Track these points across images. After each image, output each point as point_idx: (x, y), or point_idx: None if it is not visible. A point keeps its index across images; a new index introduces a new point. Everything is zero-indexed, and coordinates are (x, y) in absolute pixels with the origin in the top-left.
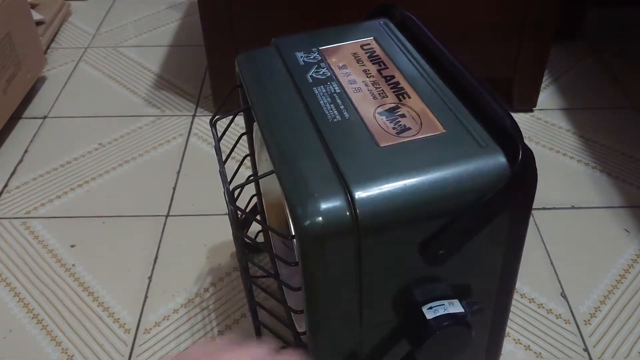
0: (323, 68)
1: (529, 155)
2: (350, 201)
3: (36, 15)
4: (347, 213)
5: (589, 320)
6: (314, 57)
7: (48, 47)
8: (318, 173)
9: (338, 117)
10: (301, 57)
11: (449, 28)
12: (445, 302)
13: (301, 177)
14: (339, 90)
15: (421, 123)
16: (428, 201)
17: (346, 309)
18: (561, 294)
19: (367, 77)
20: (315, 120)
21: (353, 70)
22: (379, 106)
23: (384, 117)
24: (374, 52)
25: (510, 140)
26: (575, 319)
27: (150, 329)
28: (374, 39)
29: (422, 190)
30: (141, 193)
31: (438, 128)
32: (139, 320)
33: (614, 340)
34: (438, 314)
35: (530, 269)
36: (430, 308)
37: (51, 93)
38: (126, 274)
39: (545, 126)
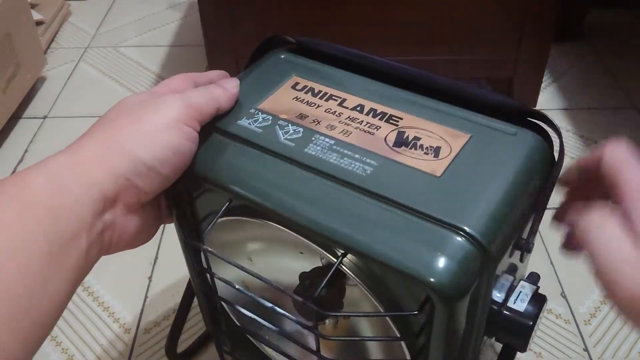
0: (287, 126)
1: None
2: (468, 237)
3: (36, 15)
4: (474, 249)
5: (589, 320)
6: (263, 117)
7: (48, 47)
8: (411, 229)
9: (368, 168)
10: (249, 123)
11: (448, 28)
12: (519, 288)
13: (398, 242)
14: (333, 141)
15: (441, 137)
16: (518, 201)
17: (465, 347)
18: (561, 294)
19: (337, 116)
20: (348, 181)
21: (317, 116)
22: (385, 139)
23: (403, 147)
24: (313, 89)
25: (537, 116)
26: (575, 319)
27: (150, 329)
28: (297, 75)
29: (511, 195)
30: None
31: (461, 135)
32: (139, 320)
33: (614, 340)
34: (526, 302)
35: (530, 268)
36: (515, 301)
37: (51, 93)
38: (126, 274)
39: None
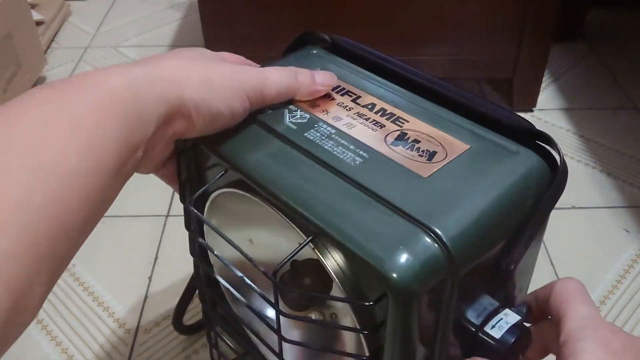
0: (295, 111)
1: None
2: (437, 239)
3: (36, 15)
4: (440, 252)
5: None
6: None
7: (48, 47)
8: (382, 220)
9: (358, 159)
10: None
11: (448, 28)
12: (501, 315)
13: (366, 230)
14: (334, 130)
15: (440, 144)
16: (502, 220)
17: (428, 357)
18: None
19: (347, 110)
20: (336, 168)
21: (328, 107)
22: (385, 137)
23: (400, 147)
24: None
25: (544, 139)
26: None
27: (151, 329)
28: (321, 70)
29: (495, 211)
30: (141, 193)
31: (460, 145)
32: (139, 320)
33: None
34: (504, 330)
35: None
36: (493, 327)
37: None
38: (126, 274)
39: (545, 126)
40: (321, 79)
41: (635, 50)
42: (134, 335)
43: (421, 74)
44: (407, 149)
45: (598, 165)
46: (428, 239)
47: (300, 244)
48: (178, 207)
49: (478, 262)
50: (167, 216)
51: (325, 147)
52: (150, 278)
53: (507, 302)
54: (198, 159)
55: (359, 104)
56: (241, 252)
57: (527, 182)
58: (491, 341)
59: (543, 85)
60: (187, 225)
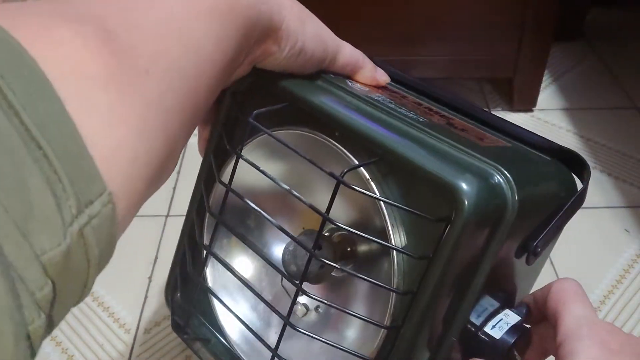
0: (355, 84)
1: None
2: (504, 176)
3: None
4: (508, 189)
5: None
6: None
7: None
8: (452, 153)
9: (422, 118)
10: (324, 73)
11: (448, 28)
12: (501, 315)
13: (437, 155)
14: (392, 102)
15: (485, 136)
16: (546, 196)
17: (440, 320)
18: None
19: (397, 99)
20: (402, 117)
21: (380, 93)
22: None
23: (452, 128)
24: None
25: (575, 157)
26: None
27: (150, 329)
28: None
29: (544, 182)
30: None
31: (501, 141)
32: (139, 320)
33: None
34: (504, 330)
35: None
36: (493, 327)
37: None
38: (126, 274)
39: (545, 126)
40: (381, 72)
41: (635, 50)
42: (134, 335)
43: (457, 98)
44: (457, 130)
45: (598, 165)
46: (495, 174)
47: (366, 162)
48: (178, 207)
49: (525, 220)
50: (167, 216)
51: (389, 105)
52: (150, 278)
53: (507, 302)
54: (247, 104)
55: (407, 100)
56: (300, 154)
57: (559, 179)
58: (491, 341)
59: (543, 85)
60: (224, 148)
